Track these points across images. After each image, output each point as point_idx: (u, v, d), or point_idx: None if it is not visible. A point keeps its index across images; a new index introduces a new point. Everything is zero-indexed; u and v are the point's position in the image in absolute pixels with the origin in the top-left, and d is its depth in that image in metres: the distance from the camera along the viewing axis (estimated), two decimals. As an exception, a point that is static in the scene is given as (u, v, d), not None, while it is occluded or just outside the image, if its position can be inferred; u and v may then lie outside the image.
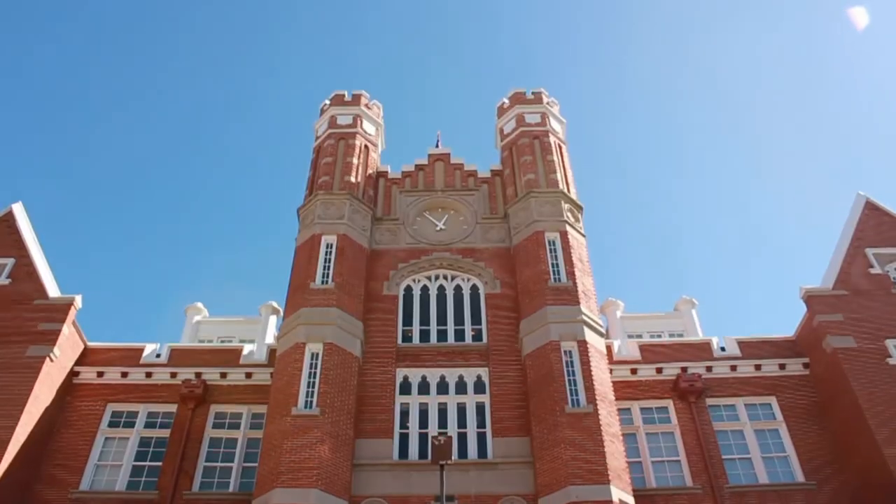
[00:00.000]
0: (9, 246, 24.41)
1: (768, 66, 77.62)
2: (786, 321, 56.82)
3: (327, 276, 23.76)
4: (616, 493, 18.48)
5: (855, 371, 21.30)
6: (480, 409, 21.74)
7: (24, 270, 23.77)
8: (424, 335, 23.69)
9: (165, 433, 22.47)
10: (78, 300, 23.16)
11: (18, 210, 25.47)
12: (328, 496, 18.74)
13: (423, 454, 20.56)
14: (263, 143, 78.87)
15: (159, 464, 21.78)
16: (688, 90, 78.65)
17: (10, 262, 23.99)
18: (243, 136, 78.26)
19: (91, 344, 24.36)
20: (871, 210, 25.62)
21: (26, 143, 70.24)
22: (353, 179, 27.31)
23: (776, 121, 75.64)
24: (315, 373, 21.14)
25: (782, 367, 23.60)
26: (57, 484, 21.23)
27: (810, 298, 23.44)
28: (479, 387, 22.23)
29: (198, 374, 23.51)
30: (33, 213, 26.00)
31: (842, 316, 22.72)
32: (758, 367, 23.57)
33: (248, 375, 23.68)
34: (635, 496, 19.47)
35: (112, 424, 22.81)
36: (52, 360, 21.94)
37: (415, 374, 22.47)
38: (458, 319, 24.13)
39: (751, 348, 24.11)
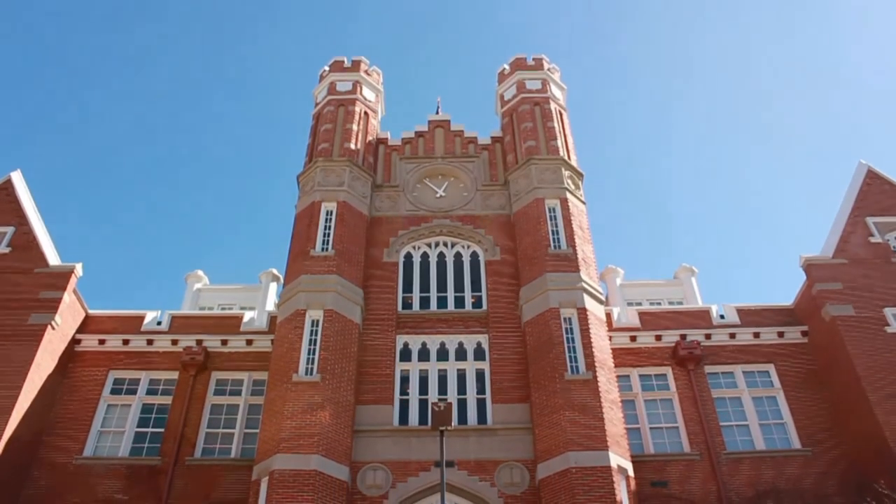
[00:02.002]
0: (8, 214, 24.37)
1: (770, 33, 76.85)
2: (785, 289, 57.00)
3: (327, 244, 23.75)
4: (614, 458, 18.63)
5: (853, 339, 21.37)
6: (480, 375, 21.85)
7: (24, 239, 23.76)
8: (424, 302, 23.73)
9: (167, 400, 22.64)
10: (78, 268, 23.17)
11: (17, 178, 25.37)
12: (329, 461, 18.91)
13: (423, 420, 20.73)
14: (263, 109, 78.43)
15: (161, 430, 21.98)
16: (688, 60, 77.97)
17: (9, 230, 23.96)
18: (243, 103, 77.81)
19: (92, 312, 24.42)
20: (873, 178, 25.51)
21: (25, 111, 69.85)
22: (352, 146, 27.16)
23: (778, 88, 75.13)
24: (315, 339, 21.22)
25: (781, 334, 23.68)
26: (61, 450, 21.44)
27: (810, 267, 23.44)
28: (479, 353, 22.32)
29: (199, 342, 23.61)
30: (32, 182, 25.93)
31: (841, 284, 22.74)
32: (756, 335, 23.66)
33: (249, 342, 23.78)
34: (633, 462, 19.66)
35: (114, 391, 22.97)
36: (53, 328, 22.01)
37: (415, 341, 22.55)
38: (458, 286, 24.15)
39: (750, 316, 24.18)
